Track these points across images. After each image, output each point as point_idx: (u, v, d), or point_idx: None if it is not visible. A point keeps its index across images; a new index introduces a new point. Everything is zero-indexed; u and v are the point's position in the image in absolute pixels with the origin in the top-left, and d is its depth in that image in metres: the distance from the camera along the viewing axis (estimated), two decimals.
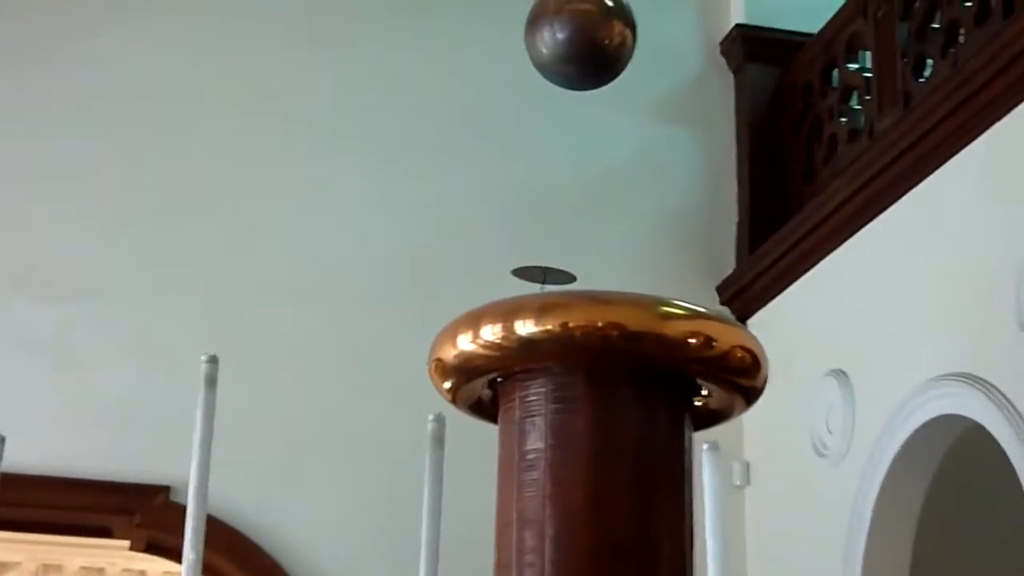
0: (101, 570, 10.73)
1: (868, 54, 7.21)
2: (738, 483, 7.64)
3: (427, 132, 7.87)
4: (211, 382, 2.48)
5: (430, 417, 2.70)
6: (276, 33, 7.84)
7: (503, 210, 7.75)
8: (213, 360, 2.53)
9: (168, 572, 9.67)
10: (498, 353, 2.59)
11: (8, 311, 7.07)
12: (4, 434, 6.93)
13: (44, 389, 6.99)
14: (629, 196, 8.03)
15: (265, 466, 7.13)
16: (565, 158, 7.99)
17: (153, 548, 7.14)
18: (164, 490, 6.90)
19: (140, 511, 6.97)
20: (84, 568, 10.69)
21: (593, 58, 3.91)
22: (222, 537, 6.86)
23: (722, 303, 7.75)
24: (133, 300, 7.22)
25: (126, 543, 7.24)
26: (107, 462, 6.95)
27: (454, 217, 7.73)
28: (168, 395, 6.96)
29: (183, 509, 6.97)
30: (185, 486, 6.96)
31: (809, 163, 7.71)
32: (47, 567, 10.44)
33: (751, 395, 2.72)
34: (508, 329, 2.55)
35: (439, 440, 2.62)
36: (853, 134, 7.26)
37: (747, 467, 7.67)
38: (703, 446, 2.21)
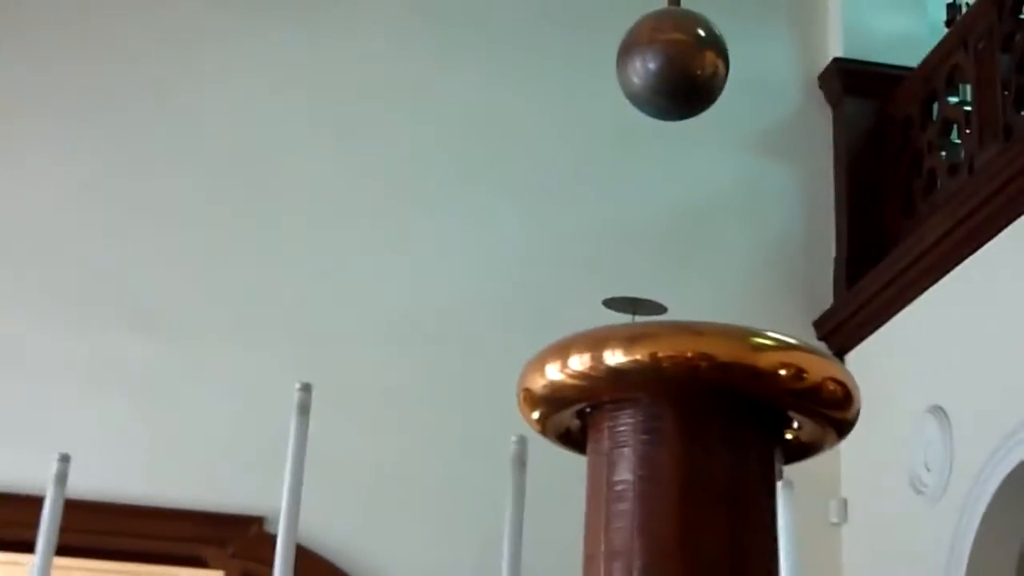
0: None
1: (968, 87, 7.14)
2: (835, 520, 7.56)
3: (523, 169, 7.88)
4: (304, 409, 2.47)
5: (513, 438, 2.68)
6: (370, 74, 7.89)
7: (598, 245, 7.74)
8: (306, 388, 2.53)
9: None
10: (586, 383, 2.56)
11: (110, 346, 7.15)
12: (104, 464, 7.01)
13: (142, 421, 7.06)
14: (725, 230, 8.00)
15: (357, 501, 7.15)
16: (662, 192, 7.97)
17: None
18: (258, 521, 6.93)
19: (234, 542, 7.00)
20: None
21: (685, 89, 3.88)
22: (315, 568, 6.89)
23: (820, 338, 7.68)
24: (230, 337, 7.29)
25: (220, 573, 7.27)
26: (202, 493, 7.00)
27: (549, 253, 7.73)
28: (262, 428, 6.99)
29: (277, 540, 7.02)
30: (278, 516, 7.00)
31: (908, 197, 7.64)
32: None
33: (843, 428, 2.66)
34: (597, 359, 2.52)
35: (521, 462, 2.60)
36: (953, 168, 7.18)
37: (844, 504, 7.59)
38: (779, 483, 2.17)
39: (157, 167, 7.52)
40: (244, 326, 7.32)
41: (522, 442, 2.51)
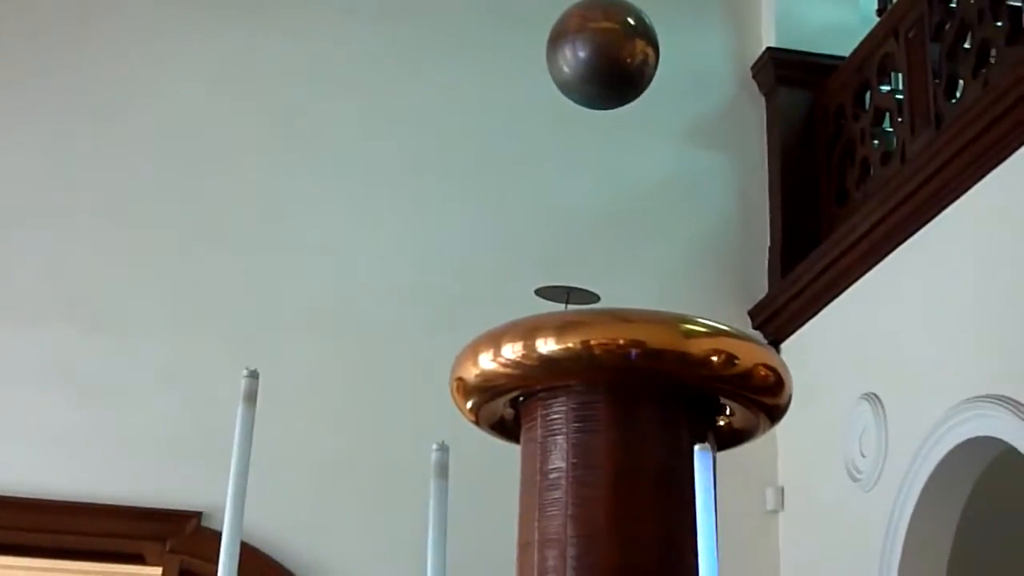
0: None
1: (900, 75, 7.18)
2: (772, 508, 7.60)
3: (458, 159, 7.88)
4: (251, 397, 2.45)
5: (434, 446, 2.67)
6: (306, 71, 7.87)
7: (531, 235, 7.75)
8: (253, 375, 2.50)
9: None
10: (519, 372, 2.57)
11: (44, 342, 7.10)
12: (39, 460, 6.96)
13: (77, 417, 7.01)
14: (660, 220, 8.02)
15: (295, 494, 7.12)
16: (595, 182, 7.98)
17: (186, 575, 7.14)
18: (196, 516, 6.90)
19: (172, 537, 6.96)
20: None
21: (615, 77, 3.88)
22: (253, 563, 6.87)
23: (755, 327, 7.71)
24: (165, 332, 7.25)
25: (159, 571, 7.23)
26: (140, 488, 6.96)
27: (484, 243, 7.73)
28: (199, 423, 6.98)
29: (216, 535, 6.96)
30: (217, 512, 6.99)
31: (842, 186, 7.68)
32: None
33: (775, 413, 2.69)
34: (529, 347, 2.53)
35: (443, 469, 2.59)
36: (886, 156, 7.23)
37: (781, 492, 7.63)
38: (695, 446, 2.17)
39: (96, 159, 7.46)
40: (180, 320, 7.28)
41: (444, 449, 2.50)
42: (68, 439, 6.94)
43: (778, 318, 7.72)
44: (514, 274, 7.38)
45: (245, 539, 6.81)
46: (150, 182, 7.49)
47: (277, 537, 7.02)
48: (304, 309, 7.42)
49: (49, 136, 7.48)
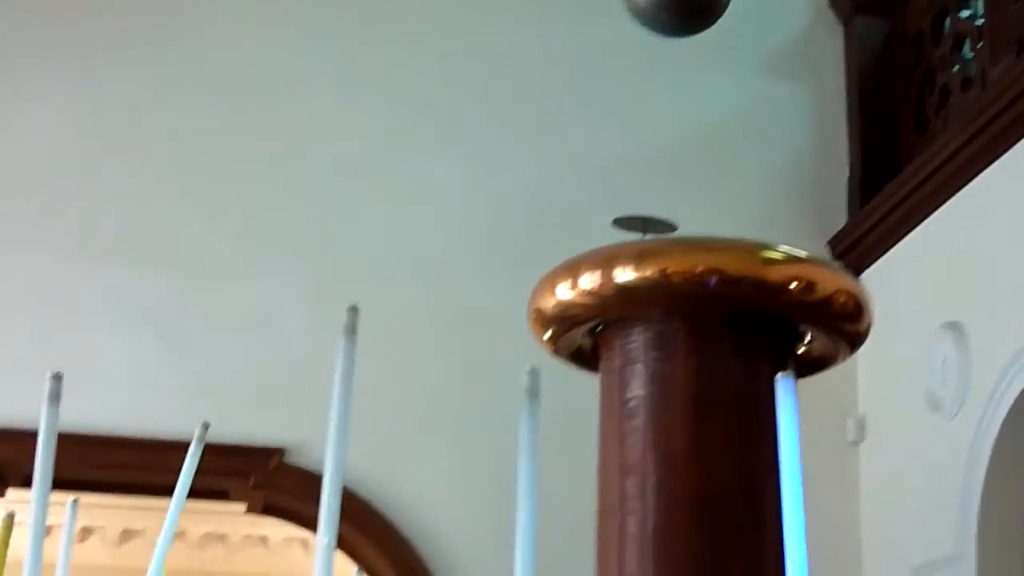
0: (223, 536, 10.83)
1: (980, 0, 7.08)
2: (853, 438, 7.58)
3: (531, 95, 7.86)
4: (351, 331, 2.44)
5: (526, 371, 2.68)
6: (381, 11, 7.85)
7: (608, 169, 7.73)
8: (354, 310, 2.49)
9: (289, 537, 9.78)
10: (597, 301, 2.55)
11: (129, 283, 7.18)
12: (124, 399, 7.05)
13: (159, 356, 7.10)
14: (737, 152, 7.98)
15: (376, 428, 7.18)
16: (672, 114, 7.95)
17: (270, 510, 7.22)
18: (278, 452, 6.98)
19: (256, 473, 7.05)
20: (207, 535, 10.79)
21: (690, 4, 3.86)
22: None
23: (835, 258, 7.68)
24: (244, 271, 7.31)
25: (243, 507, 7.32)
26: (222, 426, 6.99)
27: (559, 178, 7.72)
28: (281, 361, 7.05)
29: (297, 470, 7.08)
30: (299, 448, 7.07)
31: (921, 114, 7.61)
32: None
33: (855, 341, 2.66)
34: (606, 277, 2.52)
35: (535, 393, 2.59)
36: (966, 83, 7.15)
37: (862, 422, 7.60)
38: (779, 373, 2.15)
39: (174, 98, 7.51)
40: (259, 258, 7.34)
41: (535, 374, 2.50)
42: (150, 378, 7.03)
43: (858, 248, 7.67)
44: (592, 207, 7.36)
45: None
46: (230, 121, 7.53)
47: (359, 471, 7.08)
48: (384, 246, 7.45)
49: (124, 75, 7.53)
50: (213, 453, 7.34)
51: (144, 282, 7.18)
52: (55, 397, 2.54)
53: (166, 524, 2.75)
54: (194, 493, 7.69)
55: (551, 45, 7.95)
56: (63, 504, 3.67)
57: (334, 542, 2.27)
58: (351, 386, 2.60)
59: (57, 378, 2.53)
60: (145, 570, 3.41)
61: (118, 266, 7.20)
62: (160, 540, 2.77)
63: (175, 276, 7.22)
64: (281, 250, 7.36)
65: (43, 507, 2.43)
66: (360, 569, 4.07)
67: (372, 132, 7.64)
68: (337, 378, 2.53)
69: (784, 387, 2.13)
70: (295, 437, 6.96)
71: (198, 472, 7.54)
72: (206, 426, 2.83)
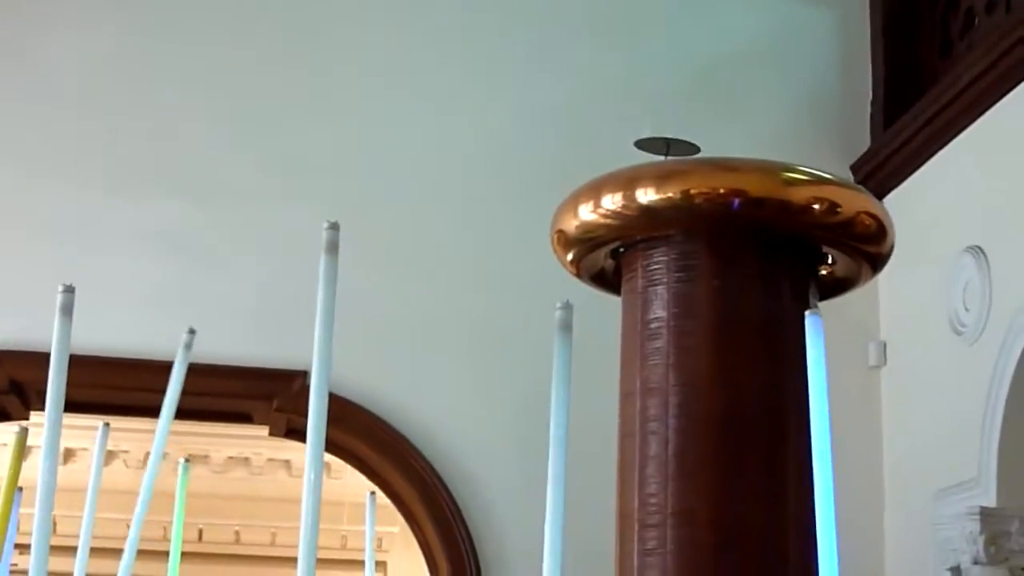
0: (247, 460, 10.90)
1: None
2: (874, 363, 7.58)
3: (551, 17, 7.82)
4: (332, 248, 2.46)
5: (557, 304, 2.68)
6: None
7: (629, 92, 7.69)
8: (334, 226, 2.52)
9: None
10: (619, 222, 2.56)
11: (150, 209, 7.19)
12: (146, 323, 7.08)
13: (182, 280, 7.11)
14: (759, 74, 7.93)
15: (400, 353, 7.21)
16: (692, 37, 7.90)
17: (292, 432, 7.26)
18: (301, 375, 6.99)
19: (278, 396, 7.07)
20: (230, 458, 10.86)
21: None
22: (360, 420, 7.00)
23: (858, 182, 7.63)
24: (266, 195, 7.31)
25: (266, 430, 7.35)
26: (245, 349, 7.06)
27: (579, 100, 7.68)
28: (302, 283, 7.00)
29: None
30: None
31: (945, 37, 7.56)
32: (194, 458, 10.60)
33: (877, 262, 2.67)
34: (629, 197, 2.52)
35: (567, 326, 2.59)
36: (991, 6, 7.09)
37: (883, 347, 7.60)
38: (806, 312, 2.16)
39: (183, 30, 7.49)
40: (284, 182, 7.34)
41: (567, 308, 2.50)
42: (173, 301, 7.04)
43: (881, 172, 7.64)
44: (614, 128, 7.33)
45: (349, 396, 6.94)
46: (255, 49, 7.52)
47: (380, 393, 7.11)
48: (408, 169, 7.45)
49: (150, 6, 7.51)
50: (236, 376, 7.41)
51: (169, 207, 7.19)
52: (67, 310, 2.56)
53: (156, 440, 2.76)
54: (217, 416, 7.76)
55: None
56: (88, 429, 3.69)
57: (321, 469, 2.29)
58: (333, 305, 2.61)
59: (69, 290, 2.54)
60: (170, 493, 3.44)
61: (142, 192, 7.21)
62: (151, 460, 2.78)
63: (200, 201, 7.23)
64: (305, 174, 7.36)
65: (57, 422, 2.45)
66: (373, 493, 4.08)
67: (396, 57, 7.62)
68: (320, 298, 2.54)
69: (813, 324, 2.14)
70: None
71: (221, 395, 7.59)
72: (192, 332, 2.85)
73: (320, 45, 7.59)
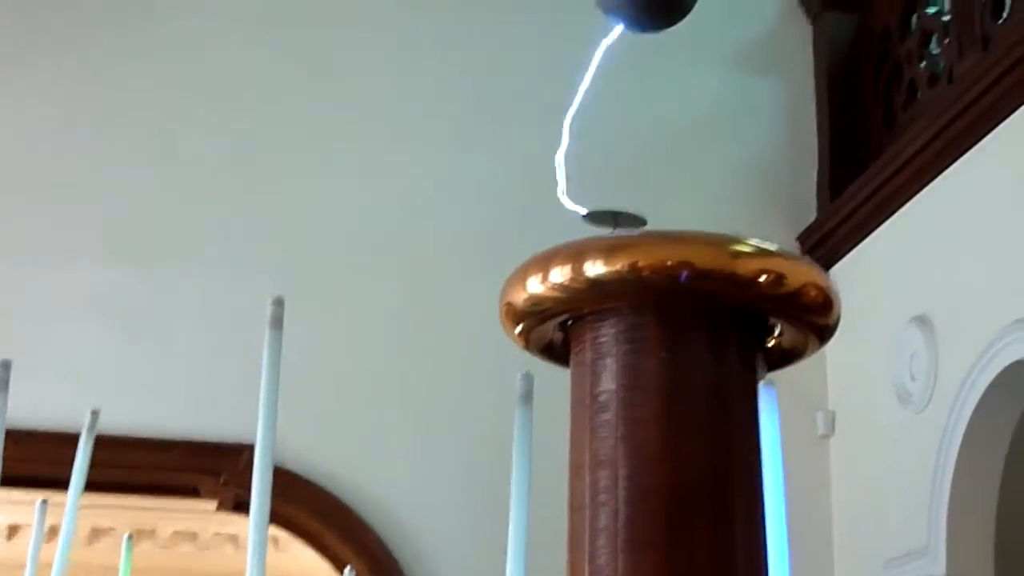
0: (194, 535, 10.80)
1: None
2: (823, 433, 7.60)
3: (504, 88, 7.86)
4: (277, 323, 2.46)
5: (518, 375, 2.69)
6: (340, 8, 7.83)
7: (579, 163, 7.71)
8: (278, 302, 2.51)
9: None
10: (567, 295, 2.56)
11: (92, 278, 7.15)
12: (92, 396, 7.00)
13: (128, 352, 7.08)
14: (706, 146, 7.99)
15: (346, 424, 7.18)
16: (641, 110, 7.95)
17: (241, 507, 7.20)
18: (249, 448, 6.92)
19: (226, 470, 7.03)
20: (177, 532, 10.75)
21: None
22: (305, 494, 6.95)
23: (804, 252, 7.68)
24: (212, 263, 7.30)
25: (214, 504, 7.30)
26: (193, 422, 7.02)
27: (531, 171, 7.69)
28: (250, 356, 6.99)
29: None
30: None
31: (889, 109, 7.64)
32: (140, 532, 10.49)
33: (824, 333, 2.67)
34: (577, 270, 2.52)
35: (527, 398, 2.60)
36: (933, 78, 7.18)
37: (832, 417, 7.62)
38: (760, 383, 2.17)
39: (133, 93, 7.48)
40: (225, 251, 7.32)
41: (528, 379, 2.51)
42: (120, 374, 7.00)
43: (827, 242, 7.69)
44: (559, 203, 7.34)
45: (297, 470, 6.89)
46: (187, 115, 7.51)
47: (332, 468, 7.08)
48: (350, 239, 7.45)
49: (84, 71, 7.50)
50: (183, 450, 7.37)
51: (111, 277, 7.16)
52: (3, 385, 2.54)
53: (66, 517, 2.74)
54: (164, 490, 7.71)
55: (523, 32, 7.94)
56: (32, 504, 3.64)
57: (266, 539, 2.28)
58: (277, 385, 2.60)
59: (4, 366, 2.53)
60: (115, 568, 3.41)
61: (84, 261, 7.17)
62: (61, 535, 2.76)
63: (144, 271, 7.20)
64: (250, 245, 7.35)
65: None
66: (351, 567, 4.06)
67: (342, 128, 7.63)
68: (263, 375, 2.53)
69: (766, 395, 2.14)
70: None
71: (168, 469, 7.53)
72: (95, 412, 2.84)
73: (266, 114, 7.59)
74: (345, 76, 7.73)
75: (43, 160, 7.32)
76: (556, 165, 4.26)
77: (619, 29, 4.16)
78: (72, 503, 2.81)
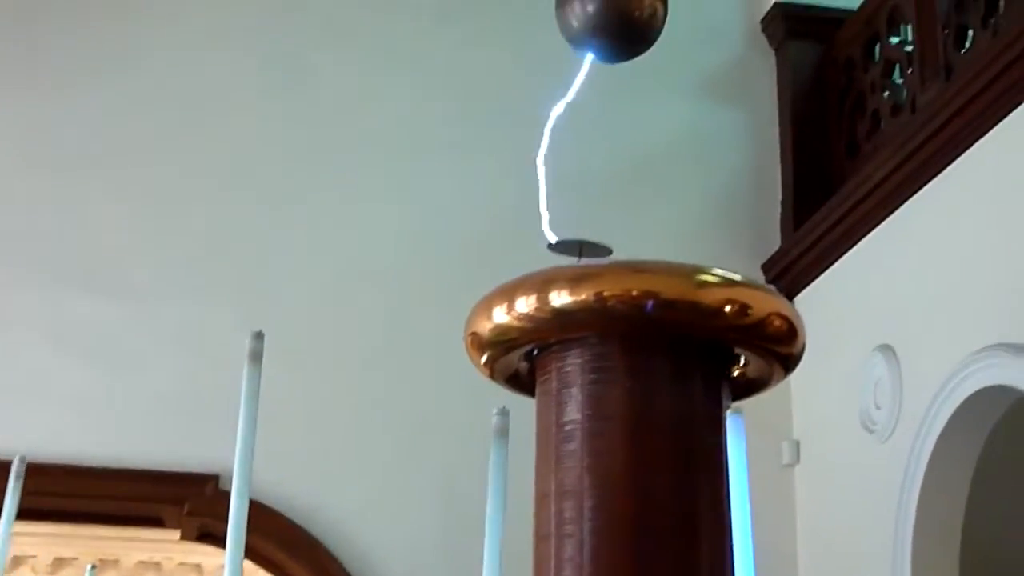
0: (158, 565, 10.77)
1: (909, 27, 7.16)
2: (788, 462, 7.61)
3: (471, 116, 7.86)
4: (256, 358, 2.46)
5: (494, 411, 2.69)
6: (317, 34, 7.84)
7: (546, 192, 7.72)
8: (258, 336, 2.51)
9: (224, 566, 9.74)
10: (533, 325, 2.57)
11: (61, 307, 7.12)
12: (55, 425, 6.99)
13: (94, 381, 7.04)
14: (672, 175, 8.01)
15: (314, 455, 7.15)
16: (606, 139, 7.96)
17: (205, 537, 7.18)
18: (214, 478, 6.93)
19: (190, 500, 7.00)
20: (141, 563, 10.73)
21: (623, 30, 3.90)
22: (272, 525, 6.92)
23: (768, 281, 7.70)
24: (180, 294, 7.27)
25: (177, 534, 7.27)
26: (156, 452, 6.99)
27: (496, 200, 7.72)
28: (216, 385, 7.00)
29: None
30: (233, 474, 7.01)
31: (852, 138, 7.68)
32: (104, 562, 10.46)
33: (789, 363, 2.68)
34: (542, 300, 2.53)
35: (503, 433, 2.61)
36: (896, 108, 7.22)
37: (797, 446, 7.64)
38: (727, 412, 2.18)
39: (102, 123, 7.46)
40: (195, 282, 7.30)
41: (504, 414, 2.51)
42: (85, 403, 6.97)
43: (791, 271, 7.72)
44: (527, 230, 7.36)
45: (264, 501, 6.86)
46: (158, 142, 7.49)
47: (293, 493, 7.05)
48: (321, 269, 7.42)
49: (59, 97, 7.48)
50: (147, 479, 7.32)
51: (78, 306, 7.13)
52: None
53: None
54: (128, 520, 7.65)
55: (490, 63, 7.95)
56: None
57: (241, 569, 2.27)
58: (256, 415, 2.60)
59: None
60: None
61: (51, 290, 7.14)
62: None
63: (110, 300, 7.17)
64: (217, 274, 7.33)
65: None
66: None
67: (313, 149, 7.62)
68: (242, 408, 2.53)
69: (734, 424, 2.15)
70: (231, 463, 6.90)
71: (132, 499, 7.49)
72: (23, 459, 2.82)
73: (236, 145, 7.57)
74: (319, 107, 7.72)
75: (15, 189, 7.29)
76: (540, 209, 4.29)
77: (590, 60, 4.19)
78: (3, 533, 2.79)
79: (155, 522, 7.28)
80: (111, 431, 6.97)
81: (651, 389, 2.51)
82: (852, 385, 6.99)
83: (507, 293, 2.61)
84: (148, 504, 7.10)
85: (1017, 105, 5.93)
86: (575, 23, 3.90)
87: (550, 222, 7.20)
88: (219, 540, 7.04)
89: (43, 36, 7.57)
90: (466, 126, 7.85)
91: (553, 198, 7.63)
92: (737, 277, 2.63)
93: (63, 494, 6.87)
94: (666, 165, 8.03)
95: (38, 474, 6.78)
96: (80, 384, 7.01)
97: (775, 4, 8.27)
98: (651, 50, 4.28)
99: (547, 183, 7.69)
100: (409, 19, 7.94)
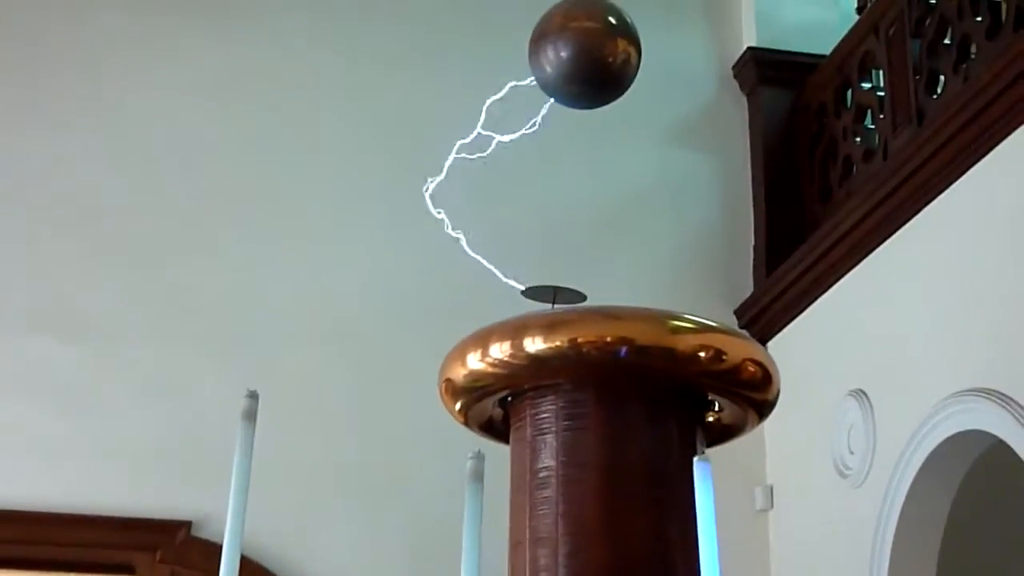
0: None
1: (881, 72, 7.20)
2: (761, 507, 7.60)
3: (441, 161, 7.86)
4: (250, 416, 2.45)
5: (469, 454, 2.69)
6: (291, 84, 7.84)
7: (518, 239, 7.73)
8: (253, 396, 2.51)
9: None
10: (507, 371, 2.57)
11: (30, 353, 7.07)
12: (26, 472, 6.93)
13: (65, 428, 6.98)
14: (644, 221, 8.01)
15: (290, 504, 7.11)
16: (579, 184, 7.97)
17: None
18: (186, 525, 6.89)
19: (162, 547, 6.95)
20: None
21: (596, 76, 3.91)
22: (247, 572, 6.86)
23: (741, 326, 7.70)
24: (150, 341, 7.22)
25: None
26: (128, 499, 6.94)
27: (468, 245, 7.70)
28: (187, 433, 6.98)
29: (205, 544, 7.00)
30: (207, 521, 7.00)
31: (825, 184, 7.69)
32: None
33: (763, 409, 2.69)
34: (517, 346, 2.53)
35: (478, 476, 2.61)
36: (868, 153, 7.24)
37: (770, 491, 7.63)
38: (695, 457, 2.19)
39: (78, 166, 7.42)
40: (165, 328, 7.25)
41: (479, 457, 2.52)
42: (55, 450, 6.92)
43: (764, 317, 7.72)
44: (498, 277, 7.36)
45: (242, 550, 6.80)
46: (134, 190, 7.45)
47: (273, 547, 7.00)
48: (295, 317, 7.40)
49: (29, 142, 7.44)
50: (119, 526, 7.26)
51: (50, 352, 7.08)
52: None
53: None
54: (98, 568, 7.57)
55: (464, 108, 7.93)
56: None
57: None
58: (248, 471, 2.59)
59: None
60: None
61: (22, 335, 7.10)
62: None
63: (81, 346, 7.12)
64: (190, 321, 7.29)
65: None
66: None
67: (289, 198, 7.60)
68: (235, 466, 2.52)
69: (701, 470, 2.15)
70: (203, 510, 6.88)
71: (104, 546, 7.40)
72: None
73: (207, 188, 7.55)
74: (291, 149, 7.70)
75: None
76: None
77: (550, 105, 4.20)
78: None
79: (127, 570, 7.21)
80: (82, 478, 6.93)
81: (626, 436, 2.51)
82: (825, 430, 6.99)
83: (481, 339, 2.61)
84: (120, 551, 7.03)
85: (989, 151, 5.96)
86: (548, 69, 3.91)
87: (524, 269, 7.20)
88: None
89: (11, 74, 7.54)
90: (440, 171, 7.83)
91: (527, 243, 7.68)
92: (712, 323, 2.64)
93: (33, 542, 6.81)
94: (639, 211, 8.03)
95: (7, 521, 6.77)
96: (50, 431, 6.96)
97: (747, 49, 8.30)
98: (624, 96, 4.29)
99: (521, 233, 7.71)
100: (365, 74, 7.92)
